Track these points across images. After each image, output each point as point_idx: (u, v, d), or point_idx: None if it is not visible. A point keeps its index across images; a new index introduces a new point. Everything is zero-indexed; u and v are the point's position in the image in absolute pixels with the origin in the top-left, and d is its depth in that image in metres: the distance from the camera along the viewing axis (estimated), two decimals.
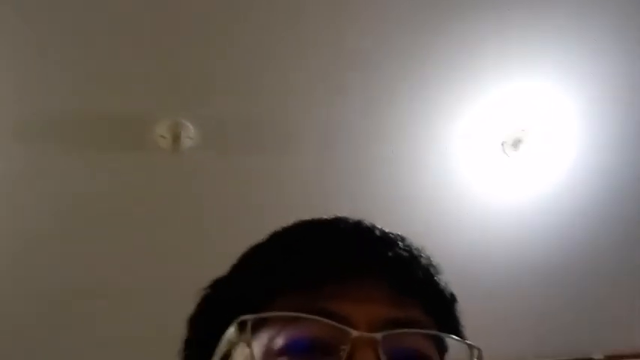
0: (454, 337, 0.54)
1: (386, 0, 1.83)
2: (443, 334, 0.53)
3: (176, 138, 2.03)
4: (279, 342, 0.49)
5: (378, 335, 0.48)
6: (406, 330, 0.50)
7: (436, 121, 2.10)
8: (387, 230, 0.56)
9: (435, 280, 0.55)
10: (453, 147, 2.16)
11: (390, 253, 0.53)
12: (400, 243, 0.54)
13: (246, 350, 0.49)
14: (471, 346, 0.52)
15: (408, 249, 0.54)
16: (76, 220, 2.25)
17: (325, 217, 0.57)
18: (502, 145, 2.16)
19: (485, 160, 2.20)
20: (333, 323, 0.48)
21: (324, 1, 1.82)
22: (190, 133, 2.04)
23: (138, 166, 2.12)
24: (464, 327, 0.57)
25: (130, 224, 2.28)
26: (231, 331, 0.50)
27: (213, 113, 2.03)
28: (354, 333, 0.48)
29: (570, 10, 1.88)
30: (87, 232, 2.28)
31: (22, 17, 1.78)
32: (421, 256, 0.55)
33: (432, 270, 0.55)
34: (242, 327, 0.50)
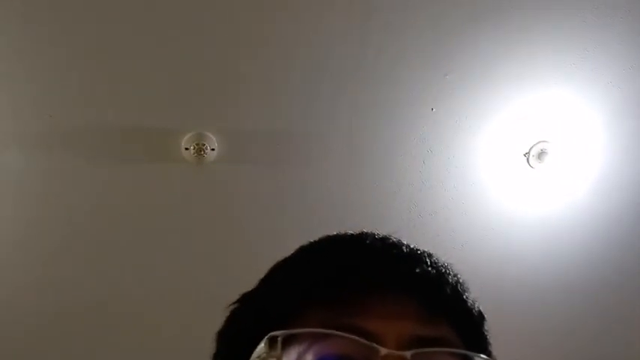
0: (483, 356, 0.53)
1: (406, 12, 1.83)
2: (472, 354, 0.53)
3: (200, 150, 2.05)
4: (309, 358, 0.50)
5: (408, 354, 0.48)
6: (436, 349, 0.50)
7: (459, 133, 2.09)
8: (413, 246, 0.56)
9: (463, 297, 0.55)
10: (477, 159, 2.15)
11: (417, 270, 0.53)
12: (428, 260, 0.54)
13: None
14: None
15: (436, 266, 0.54)
16: (99, 231, 2.26)
17: (351, 232, 0.57)
18: (526, 156, 2.14)
19: (509, 173, 2.18)
20: (363, 340, 0.48)
21: (346, 12, 1.83)
22: (213, 145, 2.05)
23: (162, 178, 2.14)
24: (491, 345, 0.56)
25: (153, 236, 2.29)
26: (262, 347, 0.50)
27: (237, 125, 2.04)
28: (383, 351, 0.48)
29: (595, 21, 1.86)
30: (111, 243, 2.29)
31: (48, 31, 1.80)
32: (449, 273, 0.55)
33: (460, 287, 0.55)
34: (272, 343, 0.50)
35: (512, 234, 2.34)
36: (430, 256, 0.55)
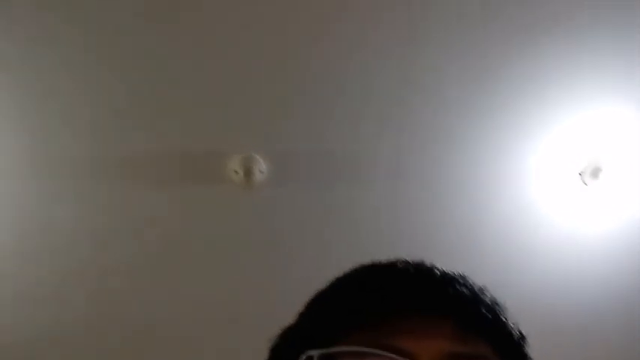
0: None
1: (451, 30, 1.81)
2: None
3: (248, 172, 2.06)
4: None
5: None
6: None
7: (509, 152, 2.05)
8: (447, 269, 0.56)
9: (499, 317, 0.55)
10: (529, 180, 2.11)
11: (451, 291, 0.53)
12: (461, 281, 0.55)
13: None
14: None
15: (470, 287, 0.55)
16: (151, 255, 2.30)
17: (385, 260, 0.58)
18: (580, 175, 2.09)
19: (563, 192, 2.13)
20: (398, 357, 0.49)
21: (391, 31, 1.83)
22: (262, 167, 2.07)
23: (211, 201, 2.16)
24: None
25: (201, 260, 2.31)
26: None
27: (285, 147, 2.05)
28: None
29: None
30: (161, 266, 2.32)
31: (96, 54, 1.85)
32: (484, 294, 0.55)
33: (496, 308, 0.55)
34: None
35: (567, 255, 2.28)
36: (464, 278, 0.56)
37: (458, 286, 0.54)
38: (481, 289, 0.56)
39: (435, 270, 0.56)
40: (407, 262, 0.57)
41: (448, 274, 0.56)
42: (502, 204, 2.17)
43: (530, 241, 2.25)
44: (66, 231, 2.22)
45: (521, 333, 0.56)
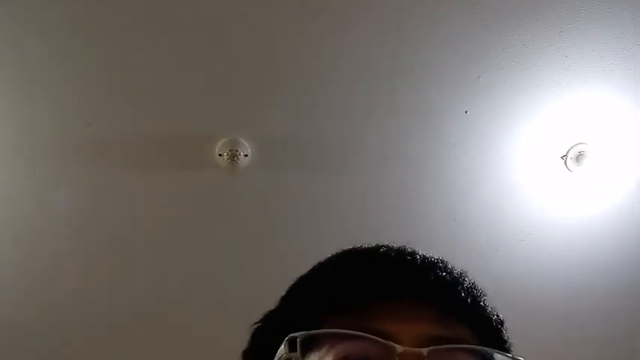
0: (500, 352, 0.54)
1: (438, 15, 1.81)
2: (489, 349, 0.53)
3: (233, 156, 2.06)
4: None
5: (424, 350, 0.49)
6: (451, 345, 0.51)
7: (494, 137, 2.06)
8: (428, 255, 0.58)
9: (478, 301, 0.56)
10: (513, 163, 2.12)
11: (432, 276, 0.54)
12: (441, 266, 0.56)
13: None
14: None
15: (450, 272, 0.56)
16: (135, 239, 2.29)
17: (367, 245, 0.59)
18: (564, 159, 2.10)
19: (546, 176, 2.15)
20: (379, 339, 0.50)
21: (379, 24, 1.82)
22: (247, 152, 2.06)
23: (196, 184, 2.15)
24: (513, 348, 0.57)
25: (188, 242, 2.31)
26: (281, 349, 0.52)
27: (271, 132, 2.05)
28: (400, 348, 0.49)
29: (634, 20, 1.82)
30: (146, 251, 2.32)
31: (83, 41, 1.83)
32: (463, 279, 0.56)
33: (475, 292, 0.56)
34: (291, 345, 0.51)
35: (550, 239, 2.30)
36: (444, 263, 0.57)
37: (438, 272, 0.55)
38: (461, 274, 0.57)
39: (416, 255, 0.57)
40: (388, 248, 0.57)
41: (429, 259, 0.57)
42: (486, 189, 2.18)
43: (514, 226, 2.27)
44: (53, 215, 2.20)
45: (499, 317, 0.57)
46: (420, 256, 0.57)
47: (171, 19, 1.80)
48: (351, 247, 0.59)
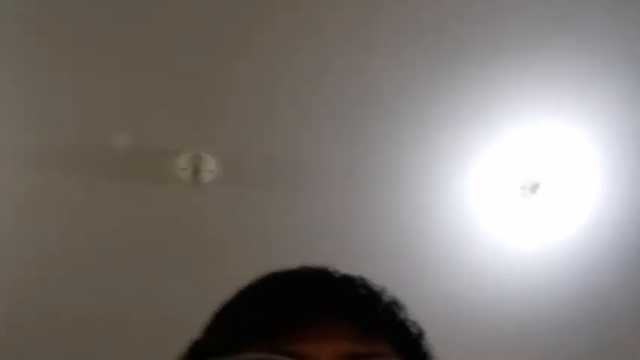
0: None
1: (403, 43, 1.84)
2: None
3: (196, 171, 2.05)
4: None
5: None
6: None
7: (452, 164, 2.10)
8: (347, 273, 0.57)
9: (397, 315, 0.56)
10: (469, 191, 2.15)
11: (349, 293, 0.55)
12: (360, 283, 0.56)
13: None
14: None
15: (369, 288, 0.56)
16: (93, 252, 2.25)
17: (290, 267, 0.59)
18: (522, 189, 2.14)
19: (502, 205, 2.19)
20: None
21: (344, 40, 1.85)
22: (211, 167, 2.06)
23: (158, 198, 2.14)
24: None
25: (146, 256, 2.28)
26: None
27: (234, 147, 2.05)
28: None
29: (596, 56, 1.88)
30: (103, 262, 2.28)
31: (40, 45, 1.81)
32: (382, 295, 0.56)
33: (393, 307, 0.56)
34: None
35: (504, 269, 2.33)
36: (363, 280, 0.57)
37: (356, 288, 0.55)
38: (380, 290, 0.57)
39: (335, 274, 0.57)
40: (308, 268, 0.58)
41: (347, 277, 0.57)
42: (443, 216, 2.21)
43: (470, 253, 2.30)
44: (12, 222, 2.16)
45: (419, 329, 0.57)
46: (338, 274, 0.57)
47: (137, 31, 1.80)
48: (273, 269, 0.59)
